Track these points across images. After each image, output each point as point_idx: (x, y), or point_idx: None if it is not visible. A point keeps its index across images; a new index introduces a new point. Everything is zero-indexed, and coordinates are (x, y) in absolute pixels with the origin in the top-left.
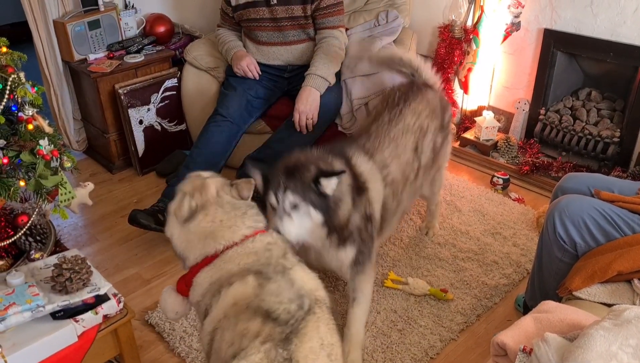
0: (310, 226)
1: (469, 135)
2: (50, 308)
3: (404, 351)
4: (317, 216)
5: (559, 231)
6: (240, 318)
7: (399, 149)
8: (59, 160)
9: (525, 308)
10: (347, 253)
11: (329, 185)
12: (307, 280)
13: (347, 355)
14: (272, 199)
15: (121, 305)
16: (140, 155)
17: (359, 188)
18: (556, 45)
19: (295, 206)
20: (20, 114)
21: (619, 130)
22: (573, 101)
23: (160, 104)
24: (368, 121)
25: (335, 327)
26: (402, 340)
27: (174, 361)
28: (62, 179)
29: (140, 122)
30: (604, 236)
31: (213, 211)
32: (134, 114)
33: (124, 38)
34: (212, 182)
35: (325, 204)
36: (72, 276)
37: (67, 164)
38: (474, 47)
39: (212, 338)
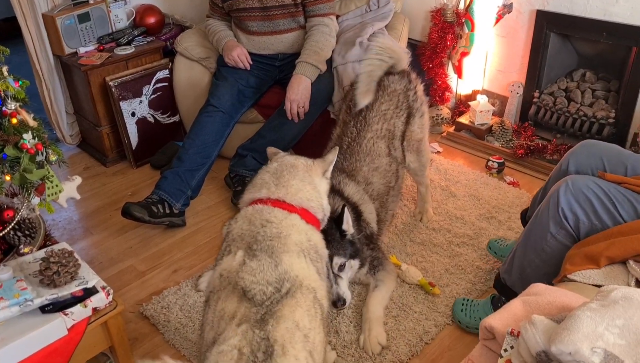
0: (351, 274)
1: (463, 119)
2: (38, 302)
3: (398, 337)
4: (355, 263)
5: (563, 206)
6: (220, 295)
7: (375, 161)
8: (44, 154)
9: (497, 282)
10: (363, 267)
11: (348, 226)
12: (297, 268)
13: (369, 332)
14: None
15: (110, 297)
16: (133, 148)
17: (355, 213)
18: (549, 26)
19: (341, 266)
20: (3, 108)
21: (614, 111)
22: (567, 82)
23: (153, 96)
24: (337, 133)
25: (318, 316)
26: (396, 326)
27: (169, 352)
28: (49, 172)
29: (133, 114)
30: (608, 216)
31: (273, 161)
32: (126, 106)
33: (114, 30)
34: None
35: (355, 248)
36: (59, 269)
37: (53, 158)
38: (466, 30)
39: (204, 308)
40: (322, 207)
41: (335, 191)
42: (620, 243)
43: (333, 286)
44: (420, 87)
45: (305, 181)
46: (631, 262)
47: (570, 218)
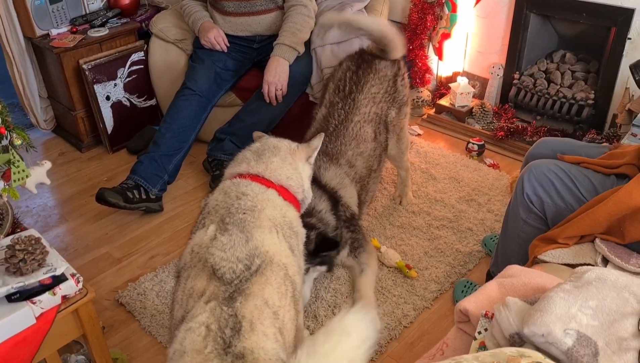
0: (316, 275)
1: (444, 102)
2: (4, 290)
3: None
4: (322, 269)
5: (527, 191)
6: (190, 273)
7: (361, 146)
8: (8, 137)
9: (489, 277)
10: (342, 250)
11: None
12: (268, 243)
13: None
14: None
15: (80, 284)
16: (109, 132)
17: (333, 199)
18: (529, 7)
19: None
20: None
21: (593, 92)
22: (547, 63)
23: (128, 79)
24: (323, 114)
25: (289, 294)
26: (376, 310)
27: (146, 340)
28: (14, 157)
29: (108, 98)
30: (570, 195)
31: (257, 142)
32: (100, 90)
33: (87, 12)
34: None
35: (324, 259)
36: (25, 257)
37: (17, 142)
38: (447, 11)
39: (175, 285)
40: (302, 188)
41: (313, 179)
42: (574, 223)
43: None
44: (407, 76)
45: (287, 161)
46: (597, 240)
47: (535, 201)
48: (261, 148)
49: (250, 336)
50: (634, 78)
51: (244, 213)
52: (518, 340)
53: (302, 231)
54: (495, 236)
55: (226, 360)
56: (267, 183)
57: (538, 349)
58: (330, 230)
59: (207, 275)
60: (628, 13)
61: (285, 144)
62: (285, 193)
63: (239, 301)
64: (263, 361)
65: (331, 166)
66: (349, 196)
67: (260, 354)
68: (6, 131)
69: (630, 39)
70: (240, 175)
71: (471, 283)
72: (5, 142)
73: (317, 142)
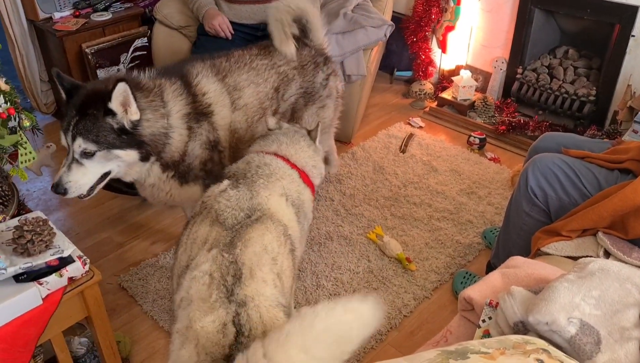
0: (123, 166)
1: (446, 95)
2: (12, 270)
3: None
4: (129, 154)
5: (531, 184)
6: (196, 220)
7: (259, 79)
8: (17, 119)
9: (489, 268)
10: (193, 189)
11: (127, 107)
12: (273, 203)
13: None
14: (63, 141)
15: (87, 267)
16: None
17: (200, 113)
18: (534, 2)
19: (89, 154)
20: None
21: (595, 88)
22: (550, 59)
23: (131, 65)
24: (239, 52)
25: (287, 246)
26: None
27: (148, 323)
28: (22, 138)
29: None
30: (574, 189)
31: (282, 127)
32: (103, 75)
33: None
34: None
35: (134, 139)
36: (33, 238)
37: (26, 123)
38: (452, 4)
39: (182, 231)
40: (321, 175)
41: (180, 79)
42: (578, 217)
43: (61, 170)
44: (336, 83)
45: (311, 148)
46: (600, 233)
47: (539, 194)
48: (290, 132)
49: (250, 283)
50: None
51: (259, 178)
52: (522, 328)
53: (310, 217)
54: (496, 229)
55: (230, 308)
56: (292, 165)
57: (542, 337)
58: (172, 141)
59: (210, 221)
60: (632, 10)
61: (304, 131)
62: (305, 177)
63: (238, 247)
64: (263, 307)
65: (212, 77)
66: (222, 116)
67: (260, 300)
68: (15, 113)
69: (634, 36)
70: (267, 153)
71: (470, 274)
72: (13, 123)
73: (315, 133)
